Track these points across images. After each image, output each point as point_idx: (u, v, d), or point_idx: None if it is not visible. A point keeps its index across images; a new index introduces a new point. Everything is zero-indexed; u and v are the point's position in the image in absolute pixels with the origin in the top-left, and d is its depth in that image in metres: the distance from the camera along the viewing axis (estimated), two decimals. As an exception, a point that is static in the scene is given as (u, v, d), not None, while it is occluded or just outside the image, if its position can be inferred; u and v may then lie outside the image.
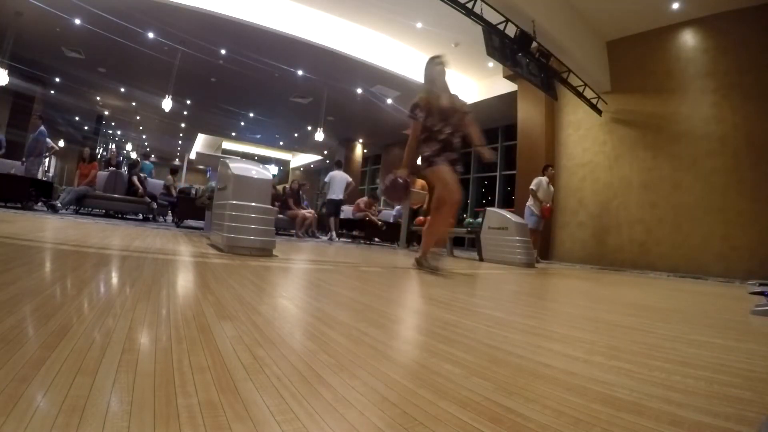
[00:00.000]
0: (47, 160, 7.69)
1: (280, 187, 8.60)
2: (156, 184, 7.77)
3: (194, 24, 7.91)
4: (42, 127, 6.74)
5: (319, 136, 11.44)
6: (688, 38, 6.87)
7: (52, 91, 13.01)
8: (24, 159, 6.68)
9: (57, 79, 12.02)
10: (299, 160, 22.19)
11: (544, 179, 6.49)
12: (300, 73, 9.74)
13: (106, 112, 16.85)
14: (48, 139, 7.05)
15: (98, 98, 14.50)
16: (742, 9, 6.13)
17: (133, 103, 14.52)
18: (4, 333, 0.68)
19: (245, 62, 9.13)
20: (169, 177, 8.20)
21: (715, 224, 6.13)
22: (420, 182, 7.82)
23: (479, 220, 6.02)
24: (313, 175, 23.48)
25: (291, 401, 0.55)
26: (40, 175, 6.61)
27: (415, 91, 10.98)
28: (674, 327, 1.52)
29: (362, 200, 8.36)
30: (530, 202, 6.47)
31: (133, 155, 24.66)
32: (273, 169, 19.74)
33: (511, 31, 6.08)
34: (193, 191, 7.06)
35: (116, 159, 8.70)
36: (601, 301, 2.29)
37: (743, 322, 1.83)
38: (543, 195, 6.44)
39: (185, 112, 14.72)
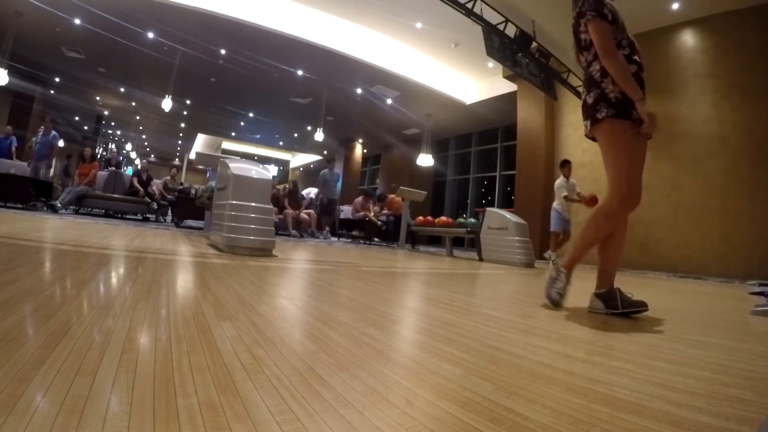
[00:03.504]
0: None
1: (280, 187, 8.61)
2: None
3: (194, 24, 7.91)
4: (54, 132, 6.97)
5: (319, 136, 11.44)
6: (688, 38, 6.87)
7: (52, 91, 13.00)
8: (30, 161, 6.75)
9: (57, 79, 12.01)
10: (299, 160, 22.18)
11: (560, 179, 6.16)
12: (300, 73, 9.74)
13: (106, 112, 16.84)
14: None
15: (98, 98, 14.49)
16: (742, 9, 6.13)
17: (133, 103, 14.51)
18: (4, 333, 0.68)
19: (245, 62, 9.13)
20: (167, 177, 8.22)
21: (715, 224, 6.13)
22: (397, 200, 7.82)
23: (475, 220, 6.03)
24: (314, 175, 23.50)
25: (291, 401, 0.55)
26: (41, 176, 6.63)
27: (415, 91, 10.91)
28: (674, 327, 1.51)
29: (357, 200, 8.38)
30: (556, 203, 6.12)
31: (133, 155, 24.70)
32: (273, 170, 19.73)
33: (510, 31, 6.09)
34: (193, 191, 7.06)
35: (116, 159, 8.71)
36: (600, 301, 2.28)
37: (743, 322, 1.83)
38: (569, 191, 6.06)
39: (185, 112, 14.71)
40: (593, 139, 1.75)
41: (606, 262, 1.75)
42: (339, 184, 8.81)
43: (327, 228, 8.12)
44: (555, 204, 6.13)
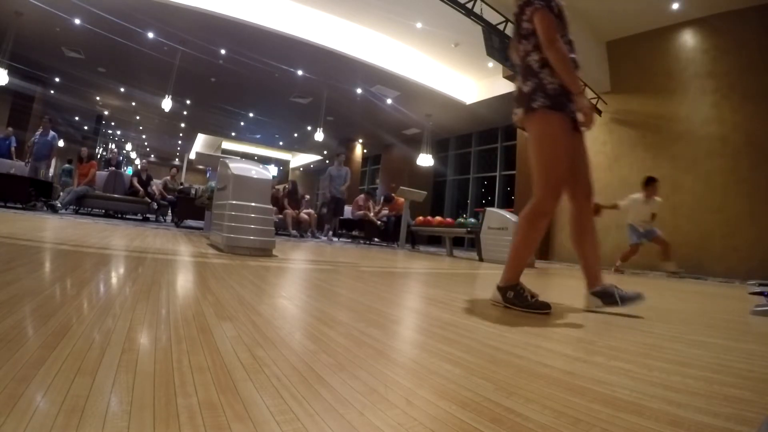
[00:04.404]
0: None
1: (279, 187, 8.60)
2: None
3: (194, 24, 7.91)
4: (53, 132, 6.95)
5: (319, 136, 11.44)
6: (688, 38, 6.87)
7: (52, 91, 13.00)
8: (27, 160, 6.75)
9: (57, 79, 12.01)
10: (299, 160, 22.18)
11: (636, 196, 5.44)
12: (300, 73, 9.74)
13: (106, 112, 16.84)
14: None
15: (98, 98, 14.49)
16: (742, 9, 6.13)
17: (133, 103, 14.51)
18: (4, 333, 0.68)
19: (245, 62, 9.13)
20: (167, 177, 8.23)
21: (715, 224, 6.13)
22: (400, 200, 7.78)
23: (475, 220, 6.01)
24: (314, 175, 23.50)
25: (291, 401, 0.55)
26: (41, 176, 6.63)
27: (415, 91, 10.83)
28: (674, 327, 1.51)
29: (359, 197, 8.39)
30: (630, 219, 5.59)
31: (133, 155, 24.72)
32: (273, 170, 19.73)
33: (510, 31, 6.08)
34: (193, 191, 7.07)
35: (116, 159, 8.72)
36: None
37: (743, 322, 1.83)
38: (633, 216, 5.47)
39: (185, 112, 14.71)
40: (522, 128, 1.74)
41: (587, 259, 1.73)
42: (346, 183, 7.95)
43: (329, 229, 7.90)
44: (628, 220, 5.58)
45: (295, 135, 16.67)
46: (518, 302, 1.57)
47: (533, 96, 1.60)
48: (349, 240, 8.44)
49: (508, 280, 1.62)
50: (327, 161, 19.55)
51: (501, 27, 5.99)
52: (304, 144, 17.82)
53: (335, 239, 7.90)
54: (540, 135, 1.62)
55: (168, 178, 8.23)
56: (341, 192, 7.85)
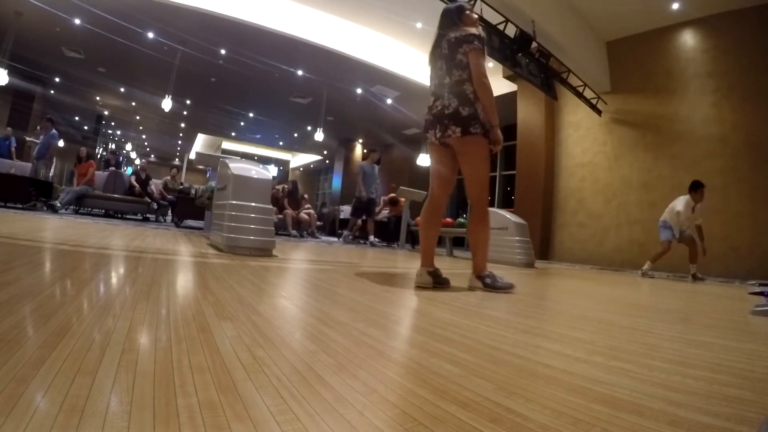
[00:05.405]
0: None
1: (279, 187, 8.60)
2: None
3: (194, 24, 7.91)
4: (54, 131, 6.88)
5: (319, 136, 11.44)
6: (688, 38, 6.87)
7: (52, 91, 13.00)
8: (34, 161, 6.75)
9: (57, 79, 12.01)
10: (299, 160, 22.18)
11: (688, 198, 5.25)
12: (300, 73, 9.74)
13: (106, 112, 16.83)
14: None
15: (98, 98, 14.48)
16: (742, 9, 6.13)
17: (133, 103, 14.51)
18: (4, 333, 0.68)
19: (245, 62, 9.13)
20: (167, 177, 8.23)
21: (715, 225, 6.12)
22: (402, 200, 7.73)
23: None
24: (313, 175, 23.49)
25: (291, 401, 0.55)
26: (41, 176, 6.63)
27: (415, 91, 10.76)
28: (674, 327, 1.52)
29: None
30: (667, 216, 5.45)
31: (133, 155, 24.71)
32: (273, 170, 19.73)
33: (510, 31, 6.09)
34: (193, 191, 7.07)
35: (116, 159, 8.73)
36: (600, 301, 2.29)
37: (743, 322, 1.83)
38: (682, 219, 5.24)
39: (185, 112, 14.70)
40: (445, 144, 2.03)
41: (434, 240, 2.22)
42: (376, 181, 7.30)
43: (354, 231, 7.29)
44: (665, 216, 5.45)
45: (295, 135, 16.67)
46: (495, 283, 2.08)
47: (473, 122, 1.92)
48: (363, 242, 8.35)
49: (484, 269, 2.10)
50: (327, 161, 19.57)
51: (501, 27, 5.99)
52: (304, 144, 17.81)
53: (331, 239, 7.87)
54: (478, 155, 1.99)
55: (168, 178, 8.24)
56: (373, 191, 7.21)
